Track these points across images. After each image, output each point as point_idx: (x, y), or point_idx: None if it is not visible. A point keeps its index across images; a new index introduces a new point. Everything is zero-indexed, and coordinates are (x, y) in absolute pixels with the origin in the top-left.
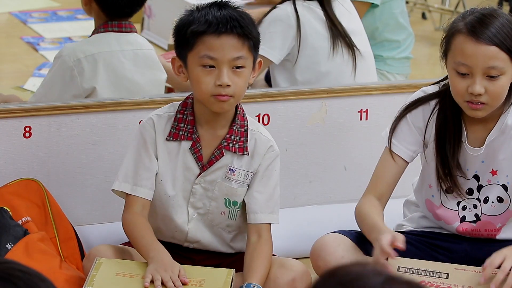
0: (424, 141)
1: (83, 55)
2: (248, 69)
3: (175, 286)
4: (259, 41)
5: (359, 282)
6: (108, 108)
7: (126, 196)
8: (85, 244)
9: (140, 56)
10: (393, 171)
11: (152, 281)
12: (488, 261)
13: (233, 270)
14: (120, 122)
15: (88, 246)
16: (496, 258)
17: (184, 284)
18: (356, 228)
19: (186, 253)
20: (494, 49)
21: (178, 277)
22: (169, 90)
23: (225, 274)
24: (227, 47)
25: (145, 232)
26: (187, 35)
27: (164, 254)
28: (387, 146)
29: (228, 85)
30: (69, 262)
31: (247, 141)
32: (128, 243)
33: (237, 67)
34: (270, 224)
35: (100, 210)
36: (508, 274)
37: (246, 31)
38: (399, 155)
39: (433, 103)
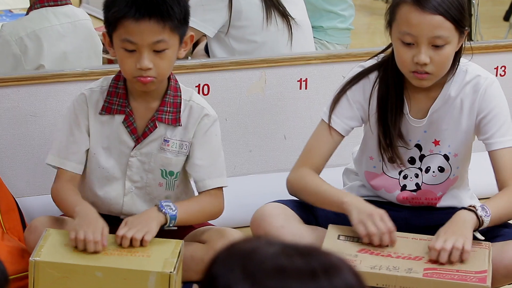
0: (365, 115)
1: (24, 32)
2: (173, 49)
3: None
4: (187, 17)
5: (254, 254)
6: (48, 80)
7: (57, 169)
8: (27, 215)
9: (79, 28)
10: (329, 145)
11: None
12: (431, 245)
13: (182, 241)
14: (61, 94)
15: (30, 218)
16: (437, 243)
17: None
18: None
19: None
20: (439, 18)
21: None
22: (109, 61)
23: (173, 245)
24: (146, 32)
25: (70, 194)
26: (109, 17)
27: (90, 210)
28: (326, 121)
29: (149, 68)
30: (11, 233)
31: (180, 112)
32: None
33: (159, 51)
34: (221, 188)
35: (41, 181)
36: (450, 253)
37: (166, 14)
38: (337, 130)
39: (373, 76)
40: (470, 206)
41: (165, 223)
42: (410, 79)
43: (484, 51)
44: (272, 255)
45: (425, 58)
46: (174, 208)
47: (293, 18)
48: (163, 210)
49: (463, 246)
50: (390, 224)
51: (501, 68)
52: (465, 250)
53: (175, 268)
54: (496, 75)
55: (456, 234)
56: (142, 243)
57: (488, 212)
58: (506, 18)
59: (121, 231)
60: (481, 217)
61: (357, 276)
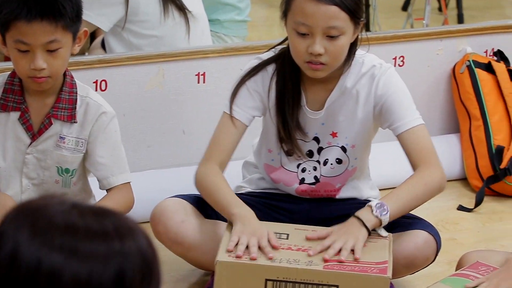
0: (265, 106)
1: None
2: (66, 47)
3: None
4: (79, 14)
5: (44, 211)
6: None
7: None
8: None
9: None
10: (233, 137)
11: None
12: (316, 236)
13: None
14: None
15: None
16: (326, 241)
17: None
18: (196, 191)
19: None
20: (334, 9)
21: None
22: (5, 58)
23: None
24: (39, 32)
25: None
26: (1, 18)
27: None
28: (228, 112)
29: (43, 68)
30: None
31: (75, 108)
32: None
33: (52, 50)
34: (128, 183)
35: None
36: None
37: (58, 14)
38: (239, 120)
39: (270, 68)
40: (368, 205)
41: None
42: (305, 70)
43: (382, 42)
44: (63, 212)
45: (319, 49)
46: None
47: (190, 12)
48: None
49: (353, 247)
50: (269, 243)
51: (399, 58)
52: (356, 250)
53: None
54: (395, 65)
55: (347, 234)
56: None
57: (386, 209)
58: (404, 8)
59: None
60: (377, 217)
61: (150, 242)
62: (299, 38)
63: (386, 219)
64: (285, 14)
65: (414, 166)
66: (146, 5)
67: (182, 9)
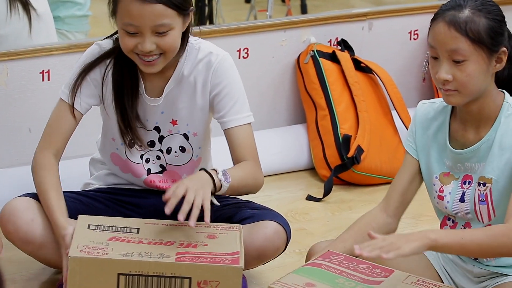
0: (103, 96)
1: None
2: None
3: None
4: None
5: None
6: None
7: None
8: None
9: None
10: (70, 125)
11: None
12: (171, 192)
13: None
14: None
15: None
16: (178, 189)
17: None
18: None
19: None
20: (160, 7)
21: None
22: None
23: None
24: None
25: None
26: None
27: None
28: (65, 100)
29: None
30: None
31: None
32: None
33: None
34: None
35: None
36: (192, 205)
37: None
38: (77, 109)
39: (108, 57)
40: (213, 169)
41: None
42: (140, 66)
43: (226, 34)
44: None
45: (150, 47)
46: None
47: (34, 10)
48: None
49: (203, 196)
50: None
51: (244, 50)
52: (205, 208)
53: None
54: (239, 58)
55: (197, 188)
56: None
57: (228, 178)
58: (247, 0)
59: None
60: (220, 181)
61: None
62: (129, 36)
63: (226, 187)
64: (113, 13)
65: (238, 160)
66: None
67: (27, 7)
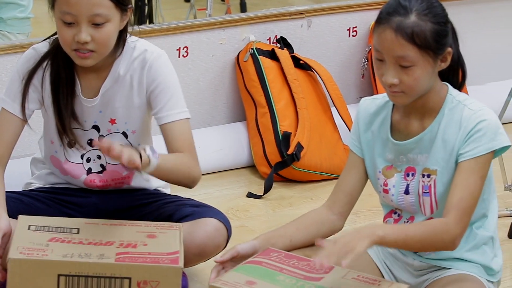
0: (42, 98)
1: None
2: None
3: None
4: None
5: None
6: None
7: None
8: None
9: None
10: (13, 133)
11: None
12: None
13: None
14: None
15: None
16: (115, 152)
17: None
18: None
19: None
20: None
21: None
22: None
23: None
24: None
25: None
26: None
27: None
28: (6, 109)
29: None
30: None
31: None
32: None
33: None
34: None
35: None
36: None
37: None
38: (17, 116)
39: (46, 59)
40: (142, 147)
41: None
42: (74, 59)
43: (165, 33)
44: None
45: (85, 37)
46: None
47: None
48: None
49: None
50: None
51: (183, 49)
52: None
53: None
54: (179, 56)
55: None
56: None
57: (156, 154)
58: (187, 0)
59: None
60: (148, 156)
61: None
62: (66, 27)
63: (154, 163)
64: (53, 5)
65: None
66: None
67: None
